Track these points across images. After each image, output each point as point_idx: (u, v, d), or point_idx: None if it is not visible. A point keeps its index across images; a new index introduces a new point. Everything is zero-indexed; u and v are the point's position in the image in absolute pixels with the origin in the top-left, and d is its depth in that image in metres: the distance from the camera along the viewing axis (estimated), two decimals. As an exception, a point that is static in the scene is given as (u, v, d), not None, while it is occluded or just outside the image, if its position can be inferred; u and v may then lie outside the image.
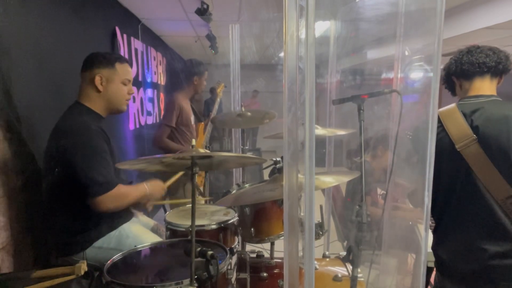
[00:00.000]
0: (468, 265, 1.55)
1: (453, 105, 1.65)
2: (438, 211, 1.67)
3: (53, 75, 2.17)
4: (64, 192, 1.73)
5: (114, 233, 1.81)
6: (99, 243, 1.77)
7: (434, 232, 1.71)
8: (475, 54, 1.66)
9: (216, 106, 3.61)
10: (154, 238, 1.86)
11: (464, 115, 1.58)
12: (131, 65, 3.80)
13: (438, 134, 1.54)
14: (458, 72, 1.70)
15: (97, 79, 1.78)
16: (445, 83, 1.78)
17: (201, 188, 3.17)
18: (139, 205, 2.11)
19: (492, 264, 1.50)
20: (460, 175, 1.57)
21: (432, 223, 1.77)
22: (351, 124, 1.76)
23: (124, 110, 1.91)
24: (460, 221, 1.59)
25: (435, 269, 1.72)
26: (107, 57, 1.82)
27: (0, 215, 1.66)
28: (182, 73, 3.52)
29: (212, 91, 7.89)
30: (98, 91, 1.79)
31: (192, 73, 3.22)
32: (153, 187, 1.89)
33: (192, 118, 3.27)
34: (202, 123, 3.55)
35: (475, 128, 1.54)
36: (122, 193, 1.75)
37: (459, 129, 1.56)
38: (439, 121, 1.60)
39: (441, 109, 1.65)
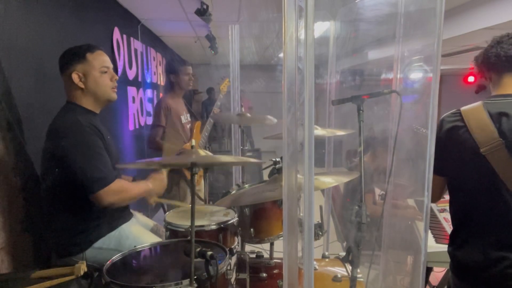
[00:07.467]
0: (487, 271, 1.45)
1: (478, 103, 1.48)
2: (460, 216, 1.56)
3: (53, 75, 2.17)
4: (63, 192, 1.73)
5: (113, 233, 1.81)
6: (98, 243, 1.77)
7: (453, 236, 1.59)
8: (506, 45, 1.45)
9: (218, 103, 3.59)
10: (154, 239, 1.85)
11: (491, 116, 1.42)
12: (130, 66, 3.83)
13: (460, 135, 1.47)
14: (486, 64, 1.53)
15: (75, 77, 1.74)
16: (477, 71, 1.61)
17: (201, 189, 3.16)
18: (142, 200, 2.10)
19: (510, 273, 1.40)
20: (484, 180, 1.44)
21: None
22: (351, 125, 1.76)
23: (114, 99, 1.85)
24: (483, 228, 1.48)
25: (450, 272, 1.61)
26: (76, 51, 1.76)
27: (0, 215, 1.67)
28: (163, 73, 3.56)
29: (209, 91, 7.91)
30: (80, 88, 1.75)
31: (168, 71, 3.29)
32: (155, 182, 1.89)
33: (183, 116, 3.29)
34: (199, 121, 3.54)
35: (502, 132, 1.39)
36: (123, 187, 1.73)
37: (485, 131, 1.40)
38: (462, 121, 1.47)
39: (464, 108, 1.50)
